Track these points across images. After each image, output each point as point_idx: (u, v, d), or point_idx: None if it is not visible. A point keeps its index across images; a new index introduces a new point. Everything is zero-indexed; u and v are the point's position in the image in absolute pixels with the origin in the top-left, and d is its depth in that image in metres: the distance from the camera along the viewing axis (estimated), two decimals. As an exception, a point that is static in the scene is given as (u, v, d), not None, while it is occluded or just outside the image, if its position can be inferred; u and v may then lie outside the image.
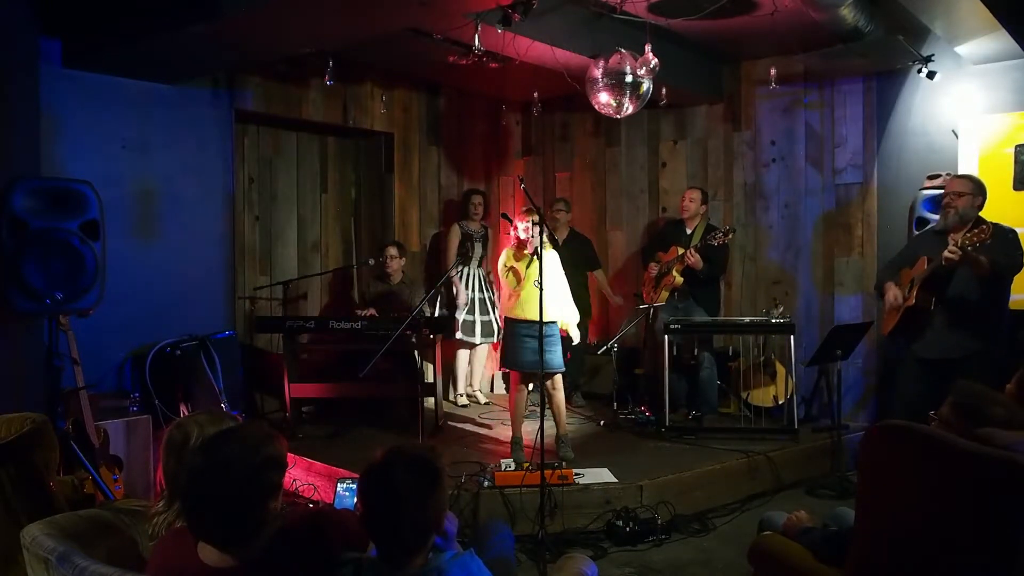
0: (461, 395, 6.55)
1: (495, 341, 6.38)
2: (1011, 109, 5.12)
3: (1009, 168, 5.02)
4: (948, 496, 2.14)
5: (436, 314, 6.22)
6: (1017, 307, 4.47)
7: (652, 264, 5.96)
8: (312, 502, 4.48)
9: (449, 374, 6.59)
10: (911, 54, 5.22)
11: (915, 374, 4.29)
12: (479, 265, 6.48)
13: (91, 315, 4.26)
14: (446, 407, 6.11)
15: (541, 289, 3.98)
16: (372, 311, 5.93)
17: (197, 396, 4.95)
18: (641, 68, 4.65)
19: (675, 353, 5.68)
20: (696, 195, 5.93)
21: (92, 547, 1.93)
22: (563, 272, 4.77)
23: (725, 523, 4.38)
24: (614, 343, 5.86)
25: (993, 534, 2.10)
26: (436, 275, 6.57)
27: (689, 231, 5.88)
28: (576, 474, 4.28)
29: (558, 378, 4.71)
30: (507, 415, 4.97)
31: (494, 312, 6.39)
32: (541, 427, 3.91)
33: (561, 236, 6.40)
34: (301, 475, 4.74)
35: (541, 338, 4.25)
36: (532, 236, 4.56)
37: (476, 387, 6.70)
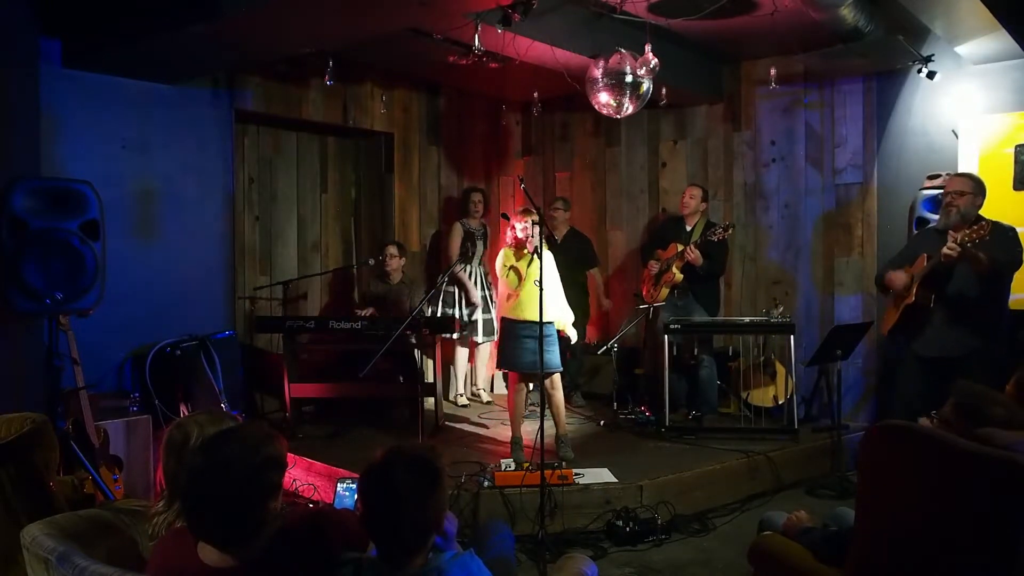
0: (461, 395, 6.55)
1: (495, 339, 6.38)
2: (1011, 109, 5.12)
3: (1009, 168, 5.02)
4: (948, 496, 2.15)
5: (440, 313, 6.22)
6: (1017, 307, 4.47)
7: (652, 262, 5.96)
8: (312, 502, 4.48)
9: (449, 374, 6.59)
10: (911, 54, 5.22)
11: (915, 373, 4.29)
12: (480, 263, 6.48)
13: (91, 315, 4.25)
14: (446, 407, 6.11)
15: (541, 289, 3.98)
16: (372, 311, 5.93)
17: (197, 396, 4.95)
18: (641, 68, 4.65)
19: (675, 353, 5.68)
20: (696, 192, 5.93)
21: (92, 547, 1.93)
22: (557, 273, 4.77)
23: (725, 523, 4.38)
24: (614, 343, 5.86)
25: (993, 534, 2.10)
26: (437, 275, 6.56)
27: (689, 228, 5.89)
28: (576, 474, 4.28)
29: (557, 377, 4.71)
30: (507, 415, 4.97)
31: (493, 311, 6.39)
32: (541, 427, 3.91)
33: (560, 235, 6.40)
34: (301, 475, 4.73)
35: (541, 338, 4.25)
36: (531, 236, 4.57)
37: (480, 386, 6.70)
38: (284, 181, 6.49)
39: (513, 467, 4.37)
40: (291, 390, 5.40)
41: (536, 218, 4.53)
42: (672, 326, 5.44)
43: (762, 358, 5.83)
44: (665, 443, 5.20)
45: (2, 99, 4.18)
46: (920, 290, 4.20)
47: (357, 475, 1.93)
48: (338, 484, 3.11)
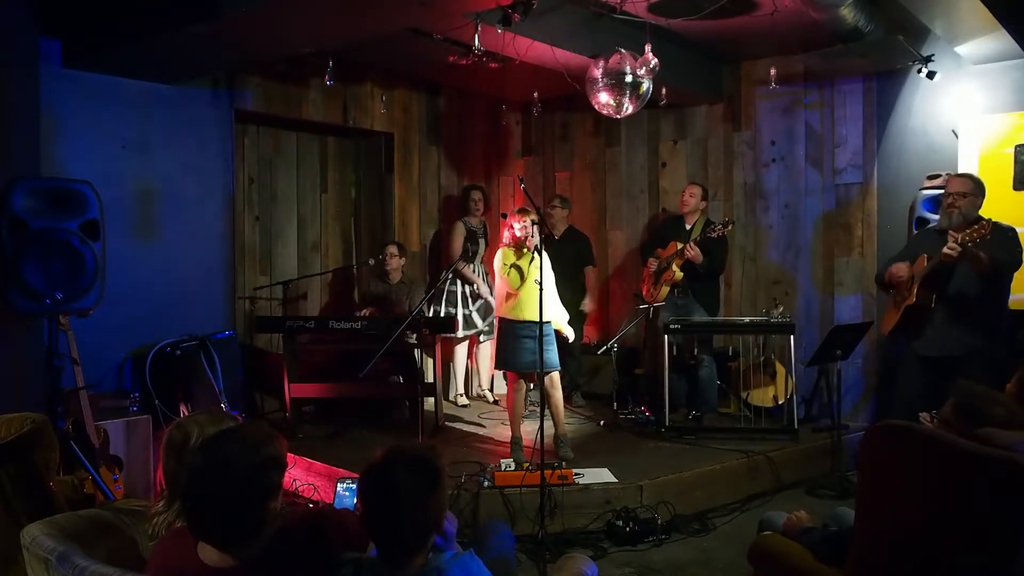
0: (461, 395, 6.54)
1: (493, 337, 6.38)
2: (1011, 109, 5.12)
3: (1009, 168, 5.02)
4: (948, 496, 2.15)
5: (444, 313, 6.22)
6: (1017, 307, 4.47)
7: (651, 260, 5.96)
8: (312, 502, 4.48)
9: (449, 374, 6.59)
10: (911, 54, 5.22)
11: (915, 372, 4.29)
12: (480, 262, 6.48)
13: (91, 315, 4.26)
14: (446, 407, 6.10)
15: (541, 289, 3.98)
16: (372, 310, 5.93)
17: (197, 396, 4.95)
18: (641, 68, 4.65)
19: (675, 353, 5.68)
20: (696, 191, 5.94)
21: (92, 547, 1.93)
22: (552, 272, 4.77)
23: (725, 523, 4.38)
24: (614, 343, 5.86)
25: (993, 534, 2.10)
26: (438, 274, 6.56)
27: (689, 226, 5.89)
28: (576, 474, 4.28)
29: (556, 376, 4.71)
30: (507, 415, 4.97)
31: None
32: (541, 427, 3.91)
33: (558, 233, 6.40)
34: (301, 475, 4.73)
35: (541, 338, 4.26)
36: (530, 235, 4.57)
37: (485, 387, 6.69)
38: (284, 181, 6.49)
39: (513, 467, 4.37)
40: (291, 390, 5.40)
41: (535, 217, 4.54)
42: (672, 326, 5.44)
43: (762, 358, 5.83)
44: (665, 443, 5.20)
45: (2, 99, 4.18)
46: (921, 290, 4.20)
47: (357, 475, 1.93)
48: (338, 484, 3.11)
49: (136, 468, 4.40)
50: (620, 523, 4.05)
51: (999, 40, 4.79)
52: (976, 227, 3.88)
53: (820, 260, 6.11)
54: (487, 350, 6.54)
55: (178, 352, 5.06)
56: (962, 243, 3.88)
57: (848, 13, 4.46)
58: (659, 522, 4.11)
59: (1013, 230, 4.10)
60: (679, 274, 5.68)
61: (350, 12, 4.16)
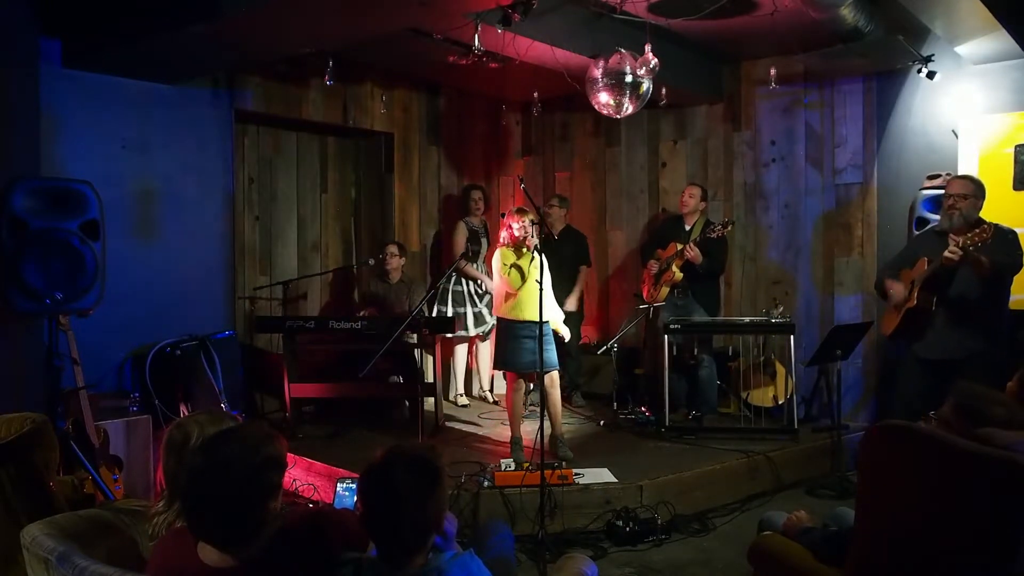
0: (461, 395, 6.54)
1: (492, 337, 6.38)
2: (1011, 109, 5.12)
3: (1009, 168, 5.02)
4: (948, 496, 2.15)
5: (452, 313, 6.22)
6: (1017, 307, 4.47)
7: (652, 261, 5.96)
8: (312, 502, 4.48)
9: (449, 374, 6.59)
10: (911, 54, 5.22)
11: (916, 374, 4.29)
12: (482, 261, 6.48)
13: (91, 315, 4.26)
14: (446, 407, 6.10)
15: (541, 289, 3.99)
16: (372, 311, 5.93)
17: (197, 396, 4.95)
18: (641, 68, 4.65)
19: (675, 353, 5.68)
20: (696, 191, 5.94)
21: (92, 547, 1.93)
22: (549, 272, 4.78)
23: (725, 523, 4.38)
24: (614, 343, 5.86)
25: (993, 534, 2.10)
26: (439, 275, 6.55)
27: (688, 227, 5.89)
28: (576, 474, 4.28)
29: (555, 376, 4.71)
30: (507, 415, 4.97)
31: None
32: (541, 427, 3.91)
33: (556, 232, 6.39)
34: (301, 475, 4.73)
35: (541, 337, 4.26)
36: (529, 235, 4.56)
37: (485, 387, 6.70)
38: (284, 181, 6.49)
39: (513, 467, 4.37)
40: (291, 390, 5.40)
41: (533, 216, 4.54)
42: (672, 326, 5.44)
43: (762, 358, 5.83)
44: (665, 443, 5.20)
45: (2, 99, 4.18)
46: (922, 293, 4.19)
47: (357, 475, 1.93)
48: (338, 484, 3.11)
49: (136, 468, 4.40)
50: (620, 523, 4.05)
51: (999, 40, 4.79)
52: (978, 231, 3.87)
53: (820, 260, 6.11)
54: (487, 350, 6.53)
55: (178, 352, 5.06)
56: (963, 247, 3.87)
57: (848, 13, 4.46)
58: (659, 522, 4.11)
59: (1014, 232, 4.10)
60: (679, 275, 5.68)
61: (350, 12, 4.16)
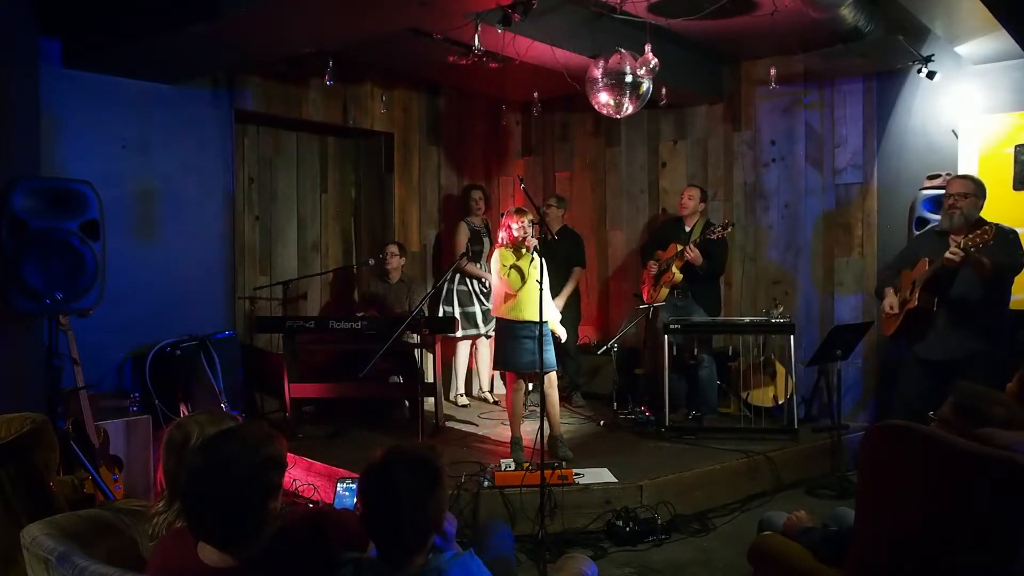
0: (461, 395, 6.54)
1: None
2: (1011, 109, 5.12)
3: (1009, 168, 5.02)
4: (948, 496, 2.15)
5: (458, 313, 6.22)
6: (1017, 307, 4.47)
7: (651, 262, 5.96)
8: (312, 502, 4.48)
9: (450, 373, 6.59)
10: (911, 54, 5.22)
11: (916, 375, 4.29)
12: (486, 260, 6.48)
13: (91, 315, 4.26)
14: (446, 407, 6.10)
15: (542, 289, 3.99)
16: (372, 311, 5.93)
17: (197, 396, 4.95)
18: (641, 68, 4.65)
19: (675, 353, 5.68)
20: (695, 193, 5.94)
21: (92, 547, 1.93)
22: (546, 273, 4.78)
23: (725, 523, 4.38)
24: (614, 343, 5.86)
25: (993, 534, 2.10)
26: (440, 275, 6.54)
27: (688, 228, 5.89)
28: (576, 474, 4.28)
29: (553, 376, 4.71)
30: (507, 415, 4.97)
31: None
32: (541, 427, 3.91)
33: (554, 232, 6.39)
34: (301, 475, 4.73)
35: (541, 338, 4.26)
36: (528, 235, 4.56)
37: (485, 388, 6.69)
38: (284, 181, 6.49)
39: (513, 467, 4.37)
40: (291, 390, 5.40)
41: (532, 217, 4.54)
42: (672, 326, 5.44)
43: (762, 358, 5.83)
44: (665, 443, 5.20)
45: (2, 99, 4.18)
46: (922, 294, 4.19)
47: (357, 475, 1.93)
48: (338, 484, 3.11)
49: (136, 468, 4.40)
50: (620, 523, 4.05)
51: (999, 40, 4.79)
52: (979, 232, 3.86)
53: (820, 260, 6.11)
54: (487, 351, 6.53)
55: (178, 352, 5.06)
56: (964, 248, 3.87)
57: (848, 13, 4.46)
58: (659, 522, 4.11)
59: (1015, 232, 4.09)
60: (679, 276, 5.68)
61: (350, 12, 4.16)
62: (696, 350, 5.87)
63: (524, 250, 4.61)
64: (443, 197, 7.06)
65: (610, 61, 4.70)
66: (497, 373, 6.68)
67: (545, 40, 4.84)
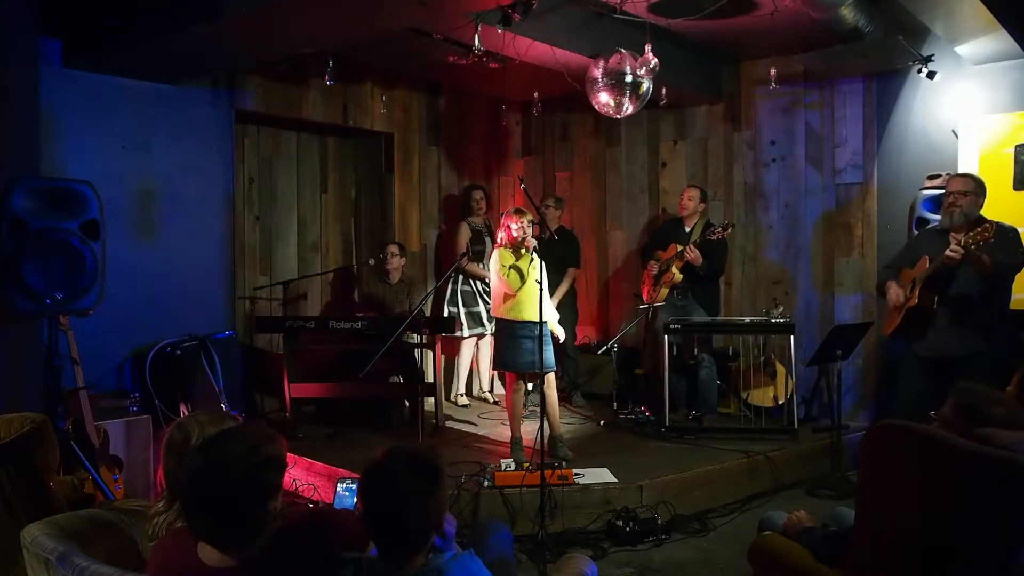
0: (462, 395, 6.54)
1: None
2: (1011, 109, 5.12)
3: (1009, 168, 5.02)
4: (948, 496, 2.14)
5: (465, 314, 6.21)
6: (1018, 307, 4.47)
7: (651, 262, 5.97)
8: (312, 502, 4.48)
9: (453, 372, 6.59)
10: (911, 54, 5.21)
11: (916, 374, 4.29)
12: (487, 259, 6.47)
13: (91, 315, 4.25)
14: (446, 407, 6.10)
15: (542, 289, 3.99)
16: (372, 313, 5.93)
17: (197, 396, 4.95)
18: (641, 68, 4.65)
19: (675, 353, 5.68)
20: (695, 193, 5.94)
21: (92, 547, 1.93)
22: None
23: (725, 523, 4.38)
24: (614, 343, 5.86)
25: (993, 534, 2.10)
26: (441, 277, 6.54)
27: (688, 229, 5.89)
28: (576, 474, 4.28)
29: (551, 376, 4.71)
30: (507, 415, 4.97)
31: None
32: (541, 427, 3.91)
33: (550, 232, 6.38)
34: (301, 475, 4.73)
35: (541, 337, 4.26)
36: (528, 236, 4.57)
37: (485, 388, 6.69)
38: (284, 181, 6.49)
39: (513, 467, 4.37)
40: (291, 390, 5.40)
41: (532, 217, 4.54)
42: (672, 326, 5.44)
43: (762, 358, 5.83)
44: (665, 443, 5.20)
45: (2, 99, 4.18)
46: (923, 292, 4.19)
47: (357, 475, 1.93)
48: (338, 484, 3.11)
49: (136, 468, 4.40)
50: (620, 523, 4.05)
51: (999, 40, 4.79)
52: (980, 229, 3.87)
53: (820, 260, 6.11)
54: (487, 351, 6.53)
55: (178, 352, 5.06)
56: (965, 245, 3.87)
57: (848, 13, 4.46)
58: (659, 522, 4.11)
59: (1015, 230, 4.10)
60: (679, 276, 5.68)
61: (350, 12, 4.16)
62: (696, 350, 5.87)
63: (523, 250, 4.61)
64: (443, 197, 7.06)
65: (610, 61, 4.70)
66: (497, 373, 6.69)
67: (545, 40, 4.84)
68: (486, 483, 4.21)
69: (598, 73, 4.73)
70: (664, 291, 5.77)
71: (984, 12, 4.28)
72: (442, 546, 1.92)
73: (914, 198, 5.28)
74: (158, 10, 4.30)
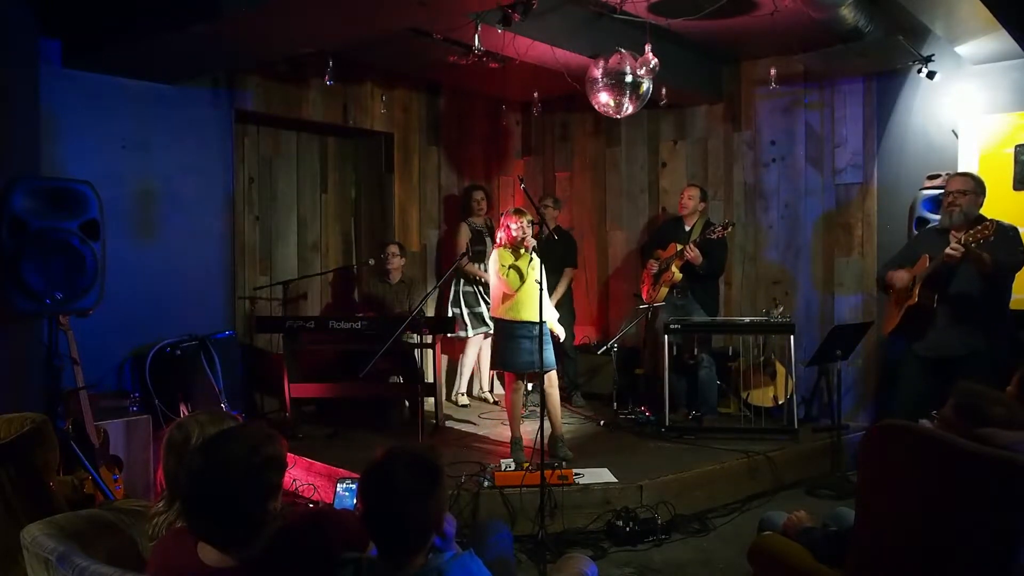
0: (463, 394, 6.54)
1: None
2: (1011, 109, 5.12)
3: (1009, 168, 5.02)
4: (948, 496, 2.14)
5: (468, 314, 6.21)
6: (1018, 307, 4.47)
7: (651, 261, 5.97)
8: (312, 502, 4.48)
9: (455, 372, 6.59)
10: (911, 54, 5.21)
11: (916, 373, 4.29)
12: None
13: (91, 315, 4.25)
14: (446, 407, 6.10)
15: (542, 289, 3.99)
16: (371, 313, 5.93)
17: (197, 396, 4.95)
18: (641, 68, 4.65)
19: (675, 353, 5.68)
20: (695, 192, 5.94)
21: (92, 547, 1.93)
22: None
23: (725, 523, 4.38)
24: (614, 343, 5.86)
25: (993, 534, 2.10)
26: (441, 277, 6.53)
27: (688, 228, 5.89)
28: (576, 474, 4.28)
29: (553, 375, 4.71)
30: (507, 415, 4.97)
31: None
32: (541, 427, 3.91)
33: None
34: (301, 475, 4.73)
35: (541, 337, 4.26)
36: (527, 236, 4.57)
37: (486, 388, 6.69)
38: (284, 181, 6.49)
39: (513, 467, 4.37)
40: (291, 390, 5.40)
41: (531, 217, 4.55)
42: (672, 326, 5.44)
43: (762, 358, 5.83)
44: (665, 443, 5.20)
45: (2, 99, 4.18)
46: (923, 291, 4.19)
47: (357, 475, 1.93)
48: (338, 484, 3.11)
49: (136, 468, 4.40)
50: (620, 523, 4.05)
51: (999, 40, 4.79)
52: (980, 227, 3.87)
53: (820, 260, 6.11)
54: (487, 351, 6.51)
55: (178, 352, 5.06)
56: (965, 244, 3.88)
57: (848, 13, 4.46)
58: (659, 522, 4.11)
59: (1015, 230, 4.10)
60: (678, 275, 5.68)
61: (350, 12, 4.16)
62: (696, 350, 5.87)
63: (523, 250, 4.61)
64: (443, 197, 7.06)
65: (610, 61, 4.70)
66: (496, 373, 6.69)
67: (545, 40, 4.84)
68: (486, 483, 4.21)
69: (598, 73, 4.73)
70: (664, 290, 5.77)
71: (984, 12, 4.28)
72: (442, 546, 1.92)
73: (914, 198, 5.28)
74: (158, 10, 4.30)
